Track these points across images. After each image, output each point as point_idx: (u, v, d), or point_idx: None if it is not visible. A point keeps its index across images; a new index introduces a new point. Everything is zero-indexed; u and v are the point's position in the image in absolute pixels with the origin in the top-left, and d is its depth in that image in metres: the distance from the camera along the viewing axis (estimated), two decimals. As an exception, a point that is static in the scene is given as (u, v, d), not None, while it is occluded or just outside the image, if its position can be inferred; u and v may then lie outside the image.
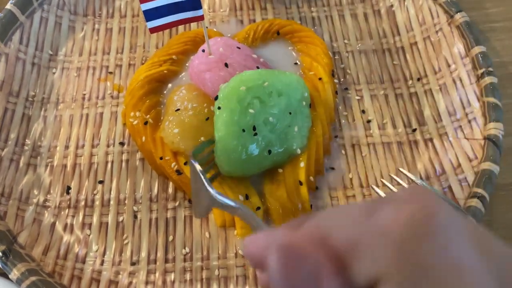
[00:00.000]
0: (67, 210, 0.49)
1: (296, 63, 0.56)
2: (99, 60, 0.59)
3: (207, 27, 0.61)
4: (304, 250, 0.23)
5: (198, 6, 0.44)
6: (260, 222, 0.35)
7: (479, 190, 0.44)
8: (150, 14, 0.43)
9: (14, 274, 0.41)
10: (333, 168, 0.51)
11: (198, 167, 0.39)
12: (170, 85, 0.55)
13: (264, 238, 0.26)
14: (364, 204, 0.24)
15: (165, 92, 0.54)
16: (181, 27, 0.62)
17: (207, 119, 0.47)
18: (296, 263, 0.22)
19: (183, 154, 0.47)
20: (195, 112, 0.47)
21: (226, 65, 0.48)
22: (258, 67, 0.50)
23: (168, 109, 0.50)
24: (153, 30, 0.45)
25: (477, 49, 0.53)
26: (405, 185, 0.45)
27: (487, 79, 0.50)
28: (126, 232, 0.48)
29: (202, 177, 0.38)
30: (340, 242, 0.22)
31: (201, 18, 0.45)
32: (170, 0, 0.42)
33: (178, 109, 0.48)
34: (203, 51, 0.49)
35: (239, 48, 0.50)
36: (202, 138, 0.46)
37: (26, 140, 0.52)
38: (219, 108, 0.44)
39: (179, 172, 0.47)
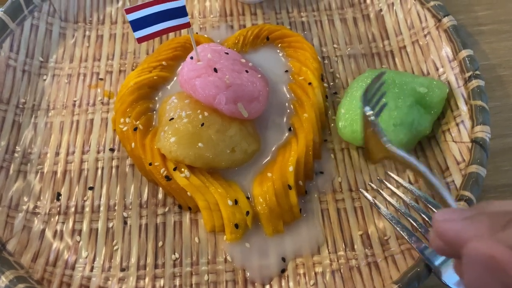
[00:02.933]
0: (57, 217, 0.49)
1: (286, 71, 0.56)
2: (90, 66, 0.59)
3: (196, 33, 0.61)
4: (506, 265, 0.23)
5: (184, 14, 0.44)
6: (440, 186, 0.34)
7: (466, 193, 0.45)
8: (137, 24, 0.43)
9: (3, 281, 0.41)
10: (322, 172, 0.52)
11: (372, 117, 0.37)
12: (160, 91, 0.55)
13: (463, 225, 0.26)
14: None
15: (155, 98, 0.55)
16: (171, 34, 0.62)
17: (202, 124, 0.47)
18: (493, 278, 0.23)
19: (178, 161, 0.47)
20: (189, 120, 0.47)
21: (215, 70, 0.48)
22: (247, 71, 0.50)
23: (161, 119, 0.50)
24: (140, 40, 0.45)
25: (464, 53, 0.53)
26: (394, 189, 0.46)
27: (474, 82, 0.51)
28: (116, 238, 0.48)
29: (378, 129, 0.37)
30: None
31: (187, 25, 0.46)
32: (156, 9, 0.42)
33: (172, 118, 0.48)
34: (192, 58, 0.49)
35: (227, 53, 0.51)
36: (200, 144, 0.46)
37: (17, 147, 0.52)
38: None
39: (168, 178, 0.47)
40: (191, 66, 0.48)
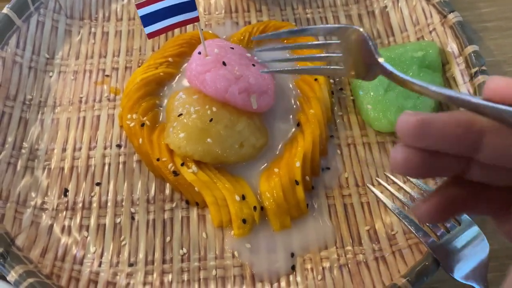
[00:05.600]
0: (64, 212, 0.49)
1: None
2: (96, 63, 0.59)
3: (202, 29, 0.61)
4: None
5: (193, 8, 0.44)
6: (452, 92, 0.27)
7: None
8: (147, 19, 0.44)
9: (12, 276, 0.41)
10: (328, 168, 0.52)
11: (366, 34, 0.34)
12: (166, 87, 0.55)
13: None
14: None
15: (161, 94, 0.55)
16: (176, 30, 0.62)
17: (211, 120, 0.47)
18: None
19: (187, 157, 0.48)
20: (198, 115, 0.47)
21: (224, 63, 0.48)
22: (253, 65, 0.50)
23: (169, 116, 0.50)
24: (150, 35, 0.45)
25: (470, 48, 0.53)
26: (401, 184, 0.46)
27: (480, 78, 0.51)
28: (123, 234, 0.48)
29: (371, 44, 0.33)
30: None
31: (196, 19, 0.46)
32: (166, 4, 0.42)
33: (181, 114, 0.48)
34: (199, 53, 0.49)
35: (232, 48, 0.51)
36: (209, 140, 0.46)
37: (24, 143, 0.53)
38: None
39: (176, 173, 0.48)
40: (199, 61, 0.48)
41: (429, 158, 0.24)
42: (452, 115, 0.24)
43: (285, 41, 0.58)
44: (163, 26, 0.44)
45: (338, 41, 0.37)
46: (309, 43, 0.41)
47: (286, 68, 0.42)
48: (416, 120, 0.23)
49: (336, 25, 0.36)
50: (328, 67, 0.39)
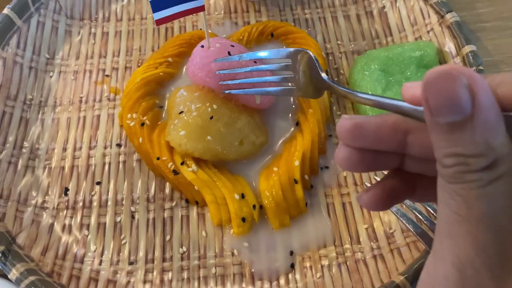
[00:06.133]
0: (65, 211, 0.49)
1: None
2: (96, 63, 0.60)
3: (200, 29, 0.62)
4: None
5: None
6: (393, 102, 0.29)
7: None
8: (156, 6, 0.45)
9: (13, 274, 0.42)
10: (327, 167, 0.52)
11: (311, 54, 0.39)
12: (166, 87, 0.56)
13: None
14: None
15: (161, 94, 0.55)
16: (176, 30, 0.63)
17: (211, 118, 0.47)
18: None
19: (187, 154, 0.48)
20: (198, 113, 0.48)
21: (228, 53, 0.49)
22: (255, 62, 0.51)
23: (170, 113, 0.50)
24: (159, 21, 0.46)
25: (467, 48, 0.54)
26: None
27: (478, 78, 0.51)
28: (123, 232, 0.48)
29: (316, 62, 0.39)
30: None
31: (202, 8, 0.47)
32: (174, -10, 0.44)
33: (182, 112, 0.48)
34: (202, 46, 0.49)
35: (233, 46, 0.51)
36: (209, 137, 0.47)
37: (24, 143, 0.53)
38: None
39: (175, 172, 0.48)
40: (203, 53, 0.48)
41: (367, 156, 0.27)
42: (382, 117, 0.27)
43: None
44: (171, 13, 0.46)
45: (290, 63, 0.41)
46: (263, 66, 0.45)
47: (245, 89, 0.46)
48: (350, 124, 0.26)
49: (288, 49, 0.41)
50: (281, 88, 0.43)
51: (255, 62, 0.49)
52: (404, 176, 0.29)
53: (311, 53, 0.39)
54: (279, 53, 0.42)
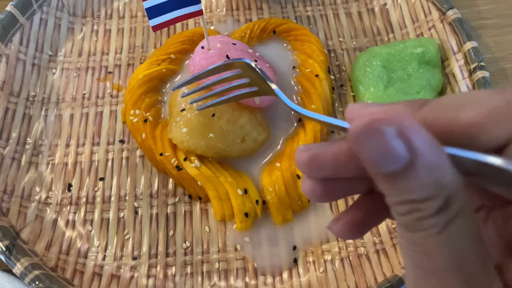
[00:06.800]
0: (68, 207, 0.49)
1: (294, 67, 0.57)
2: (98, 60, 0.60)
3: (206, 23, 0.62)
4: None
5: (197, 1, 0.45)
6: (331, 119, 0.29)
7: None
8: (152, 12, 0.44)
9: (18, 268, 0.42)
10: (330, 163, 0.52)
11: (254, 65, 0.40)
12: (168, 83, 0.56)
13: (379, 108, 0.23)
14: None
15: (164, 90, 0.55)
16: (178, 27, 0.63)
17: (213, 115, 0.47)
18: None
19: (190, 151, 0.48)
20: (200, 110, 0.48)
21: (227, 57, 0.49)
22: (256, 60, 0.51)
23: (172, 110, 0.50)
24: (155, 28, 0.46)
25: (469, 45, 0.54)
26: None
27: (479, 74, 0.52)
28: (127, 228, 0.48)
29: (261, 73, 0.39)
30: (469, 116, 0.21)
31: (200, 13, 0.46)
32: (171, -4, 0.43)
33: (184, 109, 0.48)
34: (202, 47, 0.50)
35: (234, 44, 0.51)
36: (211, 135, 0.47)
37: (28, 139, 0.53)
38: None
39: (178, 167, 0.48)
40: (203, 55, 0.48)
41: (332, 185, 0.25)
42: (337, 145, 0.25)
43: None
44: (168, 19, 0.45)
45: (240, 71, 0.41)
46: (220, 77, 0.43)
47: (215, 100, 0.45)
48: (306, 157, 0.25)
49: (226, 61, 0.41)
50: (246, 90, 0.42)
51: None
52: (377, 198, 0.26)
53: (247, 60, 0.40)
54: (222, 67, 0.42)
